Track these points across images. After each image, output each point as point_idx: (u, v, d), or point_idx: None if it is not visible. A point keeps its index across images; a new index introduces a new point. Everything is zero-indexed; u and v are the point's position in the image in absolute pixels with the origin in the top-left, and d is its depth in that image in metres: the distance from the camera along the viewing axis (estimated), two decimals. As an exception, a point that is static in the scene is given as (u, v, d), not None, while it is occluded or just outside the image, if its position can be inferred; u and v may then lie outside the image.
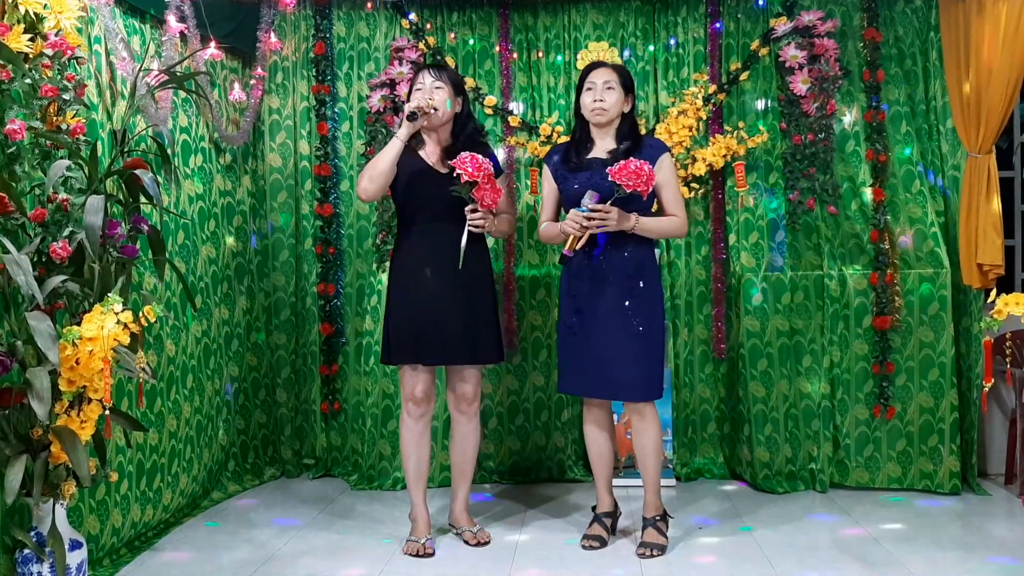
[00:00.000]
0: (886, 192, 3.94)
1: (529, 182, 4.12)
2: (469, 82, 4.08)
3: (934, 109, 3.96)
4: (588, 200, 3.02)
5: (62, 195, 2.43)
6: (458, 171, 3.01)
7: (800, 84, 3.93)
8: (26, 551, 2.41)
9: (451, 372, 3.30)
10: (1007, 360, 3.73)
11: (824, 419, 3.95)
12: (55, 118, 2.48)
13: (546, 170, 3.30)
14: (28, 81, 2.39)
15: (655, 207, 3.27)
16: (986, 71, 3.67)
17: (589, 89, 3.17)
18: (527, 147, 4.07)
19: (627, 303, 3.10)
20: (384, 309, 3.35)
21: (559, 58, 4.15)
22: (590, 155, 3.21)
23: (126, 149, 2.65)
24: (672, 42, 4.11)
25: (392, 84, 4.03)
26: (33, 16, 2.42)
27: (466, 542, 3.27)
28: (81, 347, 2.24)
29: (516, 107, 4.15)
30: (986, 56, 3.66)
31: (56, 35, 2.46)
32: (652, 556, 3.10)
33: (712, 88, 4.02)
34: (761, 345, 3.97)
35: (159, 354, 3.34)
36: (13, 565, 2.44)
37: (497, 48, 4.15)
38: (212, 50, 3.37)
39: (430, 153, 3.24)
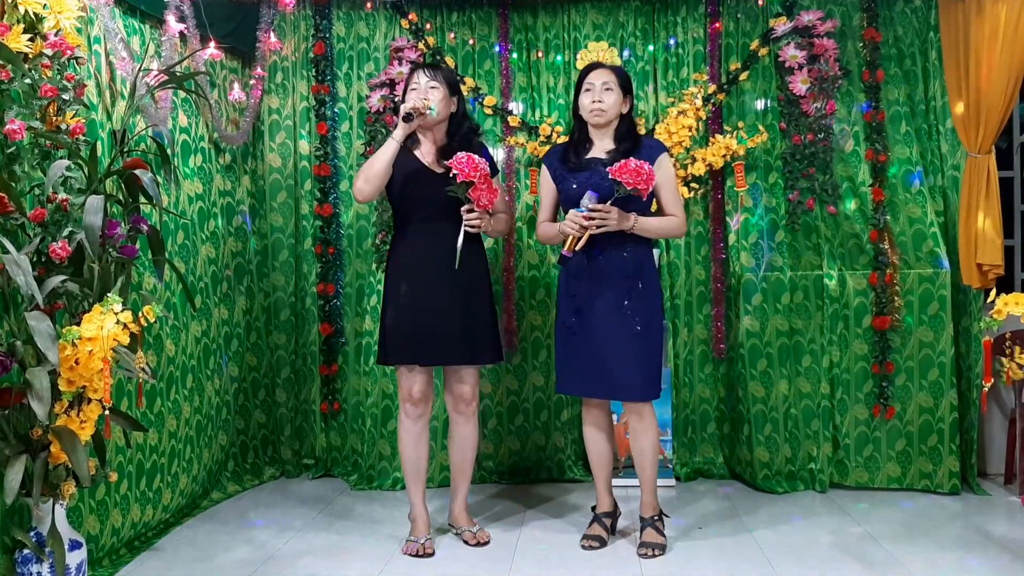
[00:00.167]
0: (885, 192, 3.95)
1: (529, 182, 4.12)
2: (469, 82, 4.08)
3: (934, 109, 3.97)
4: (587, 200, 3.02)
5: (62, 195, 2.43)
6: (454, 171, 3.01)
7: (800, 84, 3.93)
8: (26, 551, 2.41)
9: (449, 373, 3.30)
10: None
11: (824, 419, 3.95)
12: (55, 118, 2.48)
13: (544, 170, 3.30)
14: (28, 81, 2.39)
15: (654, 207, 3.27)
16: (986, 71, 3.67)
17: (587, 90, 3.17)
18: (527, 147, 4.07)
19: (626, 303, 3.11)
20: (380, 309, 3.35)
21: (559, 58, 4.15)
22: (589, 155, 3.21)
23: (126, 149, 2.65)
24: (672, 42, 4.12)
25: (392, 84, 4.03)
26: (33, 16, 2.42)
27: (466, 542, 3.27)
28: (81, 347, 2.24)
29: (516, 107, 4.15)
30: (985, 56, 3.66)
31: (56, 35, 2.46)
32: (654, 556, 3.10)
33: (712, 88, 4.02)
34: (761, 345, 3.97)
35: (159, 354, 3.34)
36: (13, 565, 2.44)
37: (497, 48, 4.15)
38: (212, 50, 3.37)
39: (426, 153, 3.24)
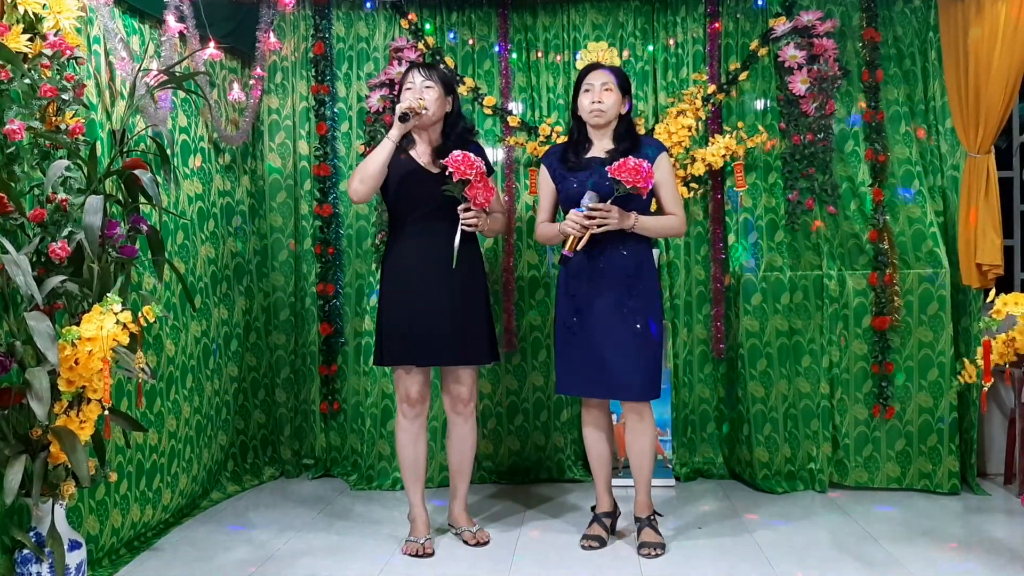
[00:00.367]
0: (885, 192, 3.95)
1: (528, 182, 4.12)
2: (468, 82, 4.08)
3: (933, 109, 3.97)
4: (588, 200, 3.02)
5: (61, 195, 2.43)
6: (450, 169, 3.00)
7: (799, 84, 3.93)
8: (25, 551, 2.41)
9: (446, 373, 3.30)
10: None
11: (823, 419, 3.95)
12: (54, 118, 2.48)
13: (544, 170, 3.29)
14: (27, 81, 2.39)
15: (653, 207, 3.27)
16: (985, 71, 3.67)
17: (587, 91, 3.17)
18: (526, 147, 4.07)
19: (627, 302, 3.11)
20: (377, 310, 3.35)
21: (558, 58, 4.14)
22: (588, 155, 3.21)
23: (125, 149, 2.65)
24: (671, 42, 4.11)
25: (391, 84, 4.03)
26: (32, 16, 2.42)
27: (465, 542, 3.27)
28: (80, 347, 2.25)
29: (515, 107, 4.15)
30: (985, 56, 3.66)
31: (55, 35, 2.46)
32: (656, 555, 3.10)
33: (711, 88, 4.02)
34: (760, 345, 3.97)
35: (158, 354, 3.34)
36: (12, 565, 2.44)
37: (496, 48, 4.15)
38: (211, 50, 3.37)
39: (421, 153, 3.23)
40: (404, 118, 3.07)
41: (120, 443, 2.98)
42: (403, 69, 3.99)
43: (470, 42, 4.16)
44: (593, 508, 3.37)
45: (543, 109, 4.15)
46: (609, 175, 2.99)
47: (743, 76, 4.03)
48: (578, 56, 4.06)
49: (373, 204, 4.08)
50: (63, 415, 2.32)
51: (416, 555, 3.14)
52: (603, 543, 3.23)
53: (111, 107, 3.05)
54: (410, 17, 4.09)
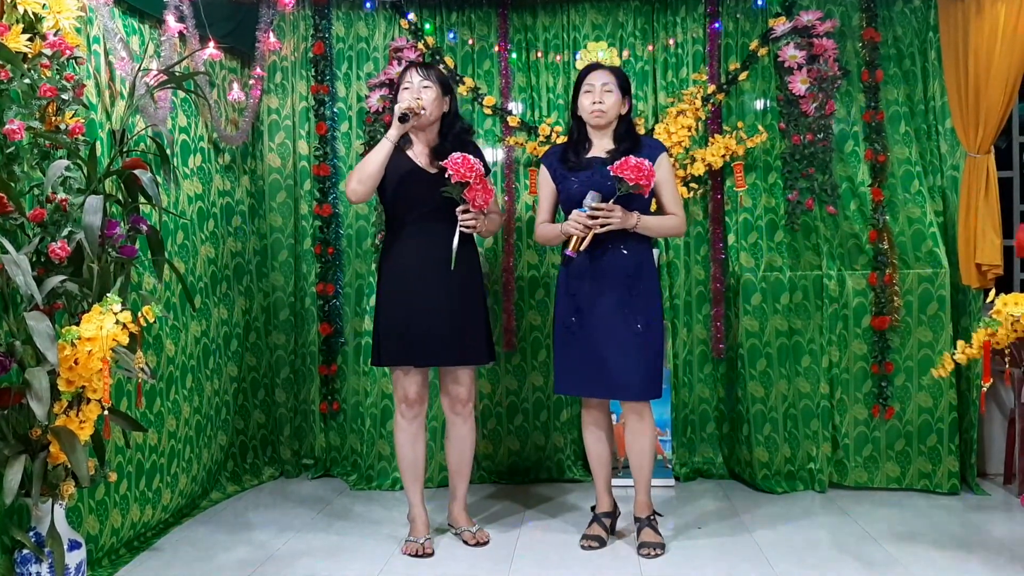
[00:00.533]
0: (885, 192, 3.95)
1: (528, 182, 4.12)
2: (468, 82, 4.09)
3: (933, 109, 3.97)
4: (590, 200, 3.02)
5: (61, 195, 2.43)
6: (449, 171, 3.00)
7: (799, 84, 3.93)
8: (25, 551, 2.41)
9: (444, 374, 3.30)
10: (1006, 360, 3.73)
11: (823, 419, 3.95)
12: (54, 118, 2.48)
13: (544, 170, 3.29)
14: (27, 81, 2.39)
15: (653, 207, 3.27)
16: (985, 71, 3.67)
17: (587, 91, 3.17)
18: (526, 147, 4.07)
19: (627, 302, 3.11)
20: (374, 311, 3.34)
21: (558, 58, 4.14)
22: (588, 155, 3.21)
23: (125, 149, 2.65)
24: (671, 42, 4.11)
25: (391, 84, 4.03)
26: (32, 16, 2.42)
27: (465, 542, 3.27)
28: (80, 347, 2.24)
29: (515, 107, 4.15)
30: (985, 56, 3.66)
31: (55, 35, 2.46)
32: (656, 555, 3.10)
33: (711, 88, 4.02)
34: (760, 345, 3.97)
35: (158, 354, 3.34)
36: (12, 565, 2.44)
37: (496, 48, 4.15)
38: (211, 50, 3.37)
39: (418, 153, 3.23)
40: (404, 118, 3.06)
41: (120, 443, 2.98)
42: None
43: (470, 42, 4.16)
44: (593, 508, 3.37)
45: (543, 109, 4.15)
46: (611, 174, 2.99)
47: (743, 76, 4.03)
48: (578, 56, 4.06)
49: (372, 204, 4.08)
50: (63, 415, 2.32)
51: (416, 555, 3.14)
52: (603, 543, 3.23)
53: (111, 107, 3.05)
54: (410, 17, 4.09)
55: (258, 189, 4.23)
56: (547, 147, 3.89)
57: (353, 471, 4.16)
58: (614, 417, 3.72)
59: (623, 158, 3.00)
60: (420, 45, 4.08)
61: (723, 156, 3.95)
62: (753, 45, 4.01)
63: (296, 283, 4.24)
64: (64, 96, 2.48)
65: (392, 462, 4.04)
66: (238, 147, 4.06)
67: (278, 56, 4.17)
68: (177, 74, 2.91)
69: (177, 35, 3.28)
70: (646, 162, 2.98)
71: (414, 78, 3.18)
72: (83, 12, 2.77)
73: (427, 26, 4.12)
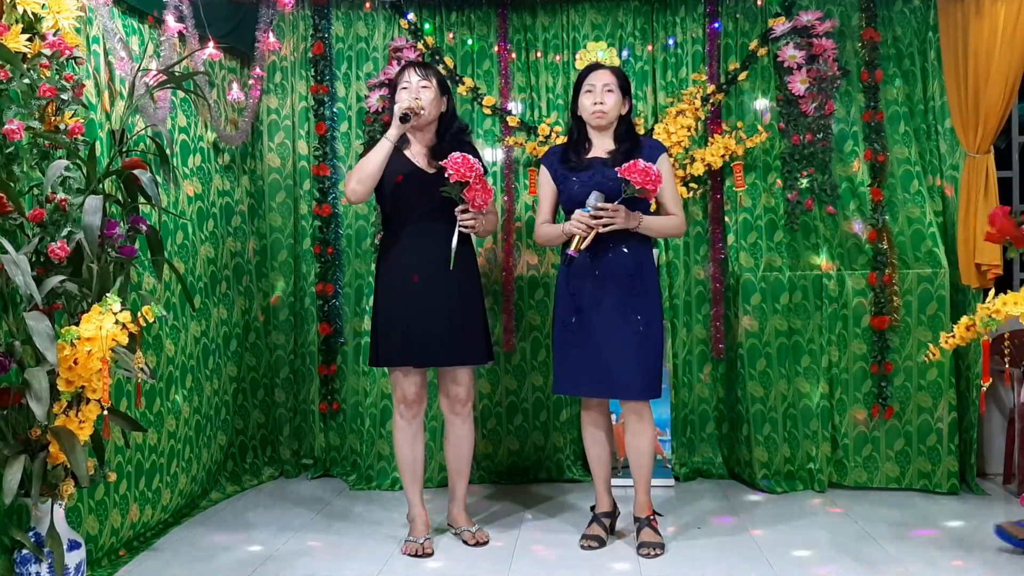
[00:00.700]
0: (884, 192, 3.95)
1: (528, 182, 4.12)
2: (468, 82, 4.09)
3: (932, 109, 3.97)
4: (594, 200, 3.02)
5: (60, 195, 2.43)
6: (449, 171, 2.99)
7: (798, 84, 3.93)
8: (24, 551, 2.41)
9: (443, 374, 3.29)
10: (1005, 360, 3.73)
11: (822, 419, 3.95)
12: (53, 118, 2.48)
13: (544, 171, 3.29)
14: (26, 81, 2.39)
15: (653, 207, 3.27)
16: (984, 71, 3.67)
17: (588, 91, 3.18)
18: (525, 147, 4.07)
19: (628, 302, 3.11)
20: (372, 311, 3.34)
21: (558, 58, 4.15)
22: (589, 156, 3.21)
23: (124, 149, 2.65)
24: (671, 42, 4.12)
25: (390, 84, 4.03)
26: (31, 16, 2.42)
27: (465, 542, 3.27)
28: (79, 347, 2.24)
29: (515, 107, 4.15)
30: (984, 56, 3.67)
31: (54, 35, 2.46)
32: (656, 555, 3.10)
33: (711, 88, 4.02)
34: (760, 345, 3.97)
35: (158, 354, 3.34)
36: (11, 565, 2.44)
37: (496, 48, 4.15)
38: (210, 50, 3.37)
39: (416, 153, 3.23)
40: (405, 118, 3.06)
41: (119, 443, 2.98)
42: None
43: (469, 42, 4.16)
44: (592, 508, 3.37)
45: (542, 109, 4.15)
46: (619, 175, 2.99)
47: (742, 76, 4.03)
48: (577, 56, 4.06)
49: (372, 204, 4.08)
50: (62, 415, 2.32)
51: (415, 555, 3.14)
52: (602, 543, 3.23)
53: (110, 107, 3.05)
54: (410, 17, 4.09)
55: (258, 189, 4.23)
56: (546, 147, 3.89)
57: (353, 471, 4.16)
58: (614, 417, 3.72)
59: (631, 160, 3.00)
60: (420, 45, 4.08)
61: (723, 156, 3.95)
62: (753, 45, 4.01)
63: (296, 283, 4.24)
64: (64, 96, 2.48)
65: (392, 462, 4.04)
66: (238, 147, 4.06)
67: (278, 56, 4.17)
68: (177, 74, 2.91)
69: (176, 35, 3.28)
70: (653, 167, 2.99)
71: (412, 78, 3.18)
72: (82, 12, 2.77)
73: (427, 26, 4.12)
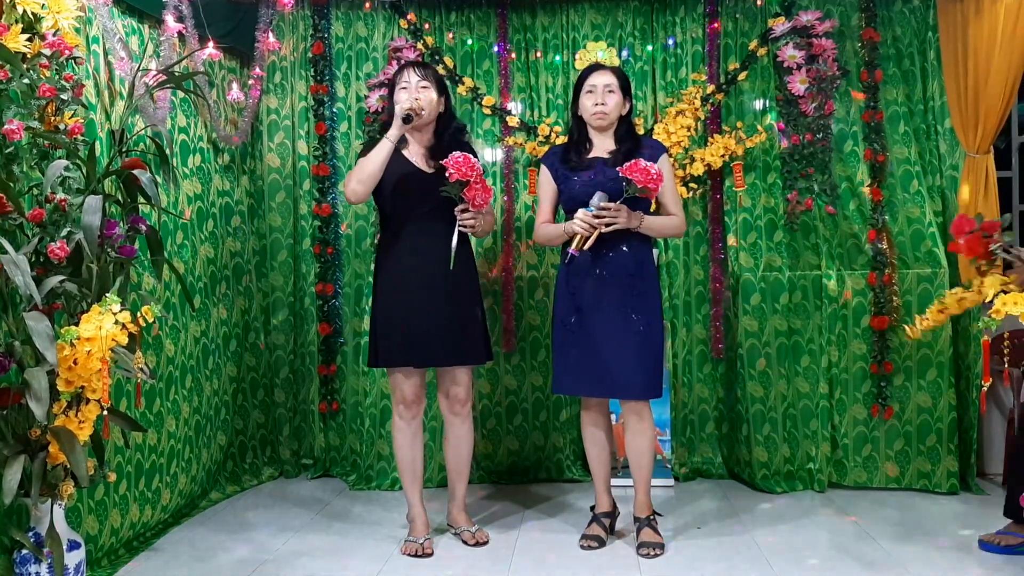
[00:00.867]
0: (884, 192, 3.95)
1: (527, 182, 4.12)
2: (467, 82, 4.09)
3: (932, 109, 3.97)
4: (598, 199, 3.02)
5: (60, 195, 2.42)
6: (450, 170, 2.99)
7: (798, 84, 3.93)
8: (24, 551, 2.41)
9: (442, 374, 3.29)
10: (1004, 360, 3.73)
11: (822, 419, 3.95)
12: (53, 118, 2.48)
13: (544, 171, 3.29)
14: (26, 81, 2.38)
15: (653, 207, 3.27)
16: (984, 71, 3.67)
17: (590, 92, 3.18)
18: (525, 147, 4.07)
19: (628, 301, 3.11)
20: (371, 311, 3.34)
21: (557, 58, 4.15)
22: (590, 156, 3.21)
23: (124, 149, 2.65)
24: (670, 42, 4.12)
25: (391, 84, 4.03)
26: (31, 16, 2.42)
27: (465, 542, 3.27)
28: (79, 347, 2.24)
29: (514, 107, 4.15)
30: (984, 56, 3.67)
31: (54, 35, 2.45)
32: (656, 555, 3.10)
33: (710, 88, 4.02)
34: (759, 345, 3.97)
35: (158, 354, 3.34)
36: (11, 565, 2.44)
37: (495, 48, 4.15)
38: (210, 50, 3.37)
39: (414, 153, 3.22)
40: (408, 119, 3.05)
41: (119, 443, 2.98)
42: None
43: (469, 42, 4.16)
44: (592, 508, 3.37)
45: (542, 109, 4.15)
46: (621, 174, 3.00)
47: (742, 76, 4.03)
48: (577, 56, 4.07)
49: (372, 204, 4.08)
50: (62, 415, 2.31)
51: (415, 555, 3.14)
52: (602, 543, 3.23)
53: (110, 107, 3.05)
54: (409, 17, 4.09)
55: (257, 189, 4.22)
56: (546, 147, 3.90)
57: (352, 471, 4.16)
58: (613, 417, 3.72)
59: (633, 160, 3.01)
60: (419, 45, 4.08)
61: (722, 156, 3.95)
62: (752, 45, 4.01)
63: (295, 283, 4.24)
64: (63, 96, 2.48)
65: (391, 462, 4.04)
66: (237, 147, 4.06)
67: (277, 56, 4.17)
68: (176, 74, 2.91)
69: (176, 35, 3.28)
70: (655, 167, 2.99)
71: (412, 78, 3.17)
72: (82, 12, 2.77)
73: (426, 26, 4.12)
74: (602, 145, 3.22)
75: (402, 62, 3.96)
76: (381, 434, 4.07)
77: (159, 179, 2.71)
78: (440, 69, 3.95)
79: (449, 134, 3.24)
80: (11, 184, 2.31)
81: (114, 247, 2.49)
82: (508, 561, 3.09)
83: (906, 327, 3.11)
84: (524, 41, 4.17)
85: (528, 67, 4.17)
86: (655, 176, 2.97)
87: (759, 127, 3.99)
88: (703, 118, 4.03)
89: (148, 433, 3.26)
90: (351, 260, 4.19)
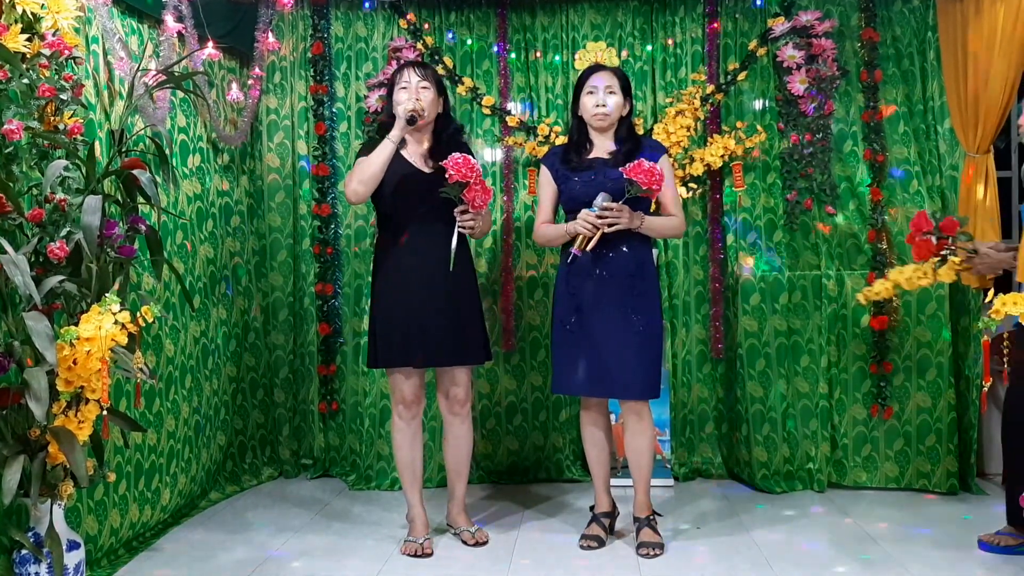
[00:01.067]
0: (884, 192, 3.95)
1: (527, 182, 4.12)
2: (467, 82, 4.09)
3: (932, 109, 3.97)
4: (600, 200, 3.02)
5: (60, 195, 2.42)
6: (450, 172, 2.98)
7: (798, 84, 3.93)
8: (24, 552, 2.41)
9: (441, 375, 3.29)
10: (1004, 360, 3.73)
11: (822, 419, 3.95)
12: (53, 118, 2.47)
13: (544, 171, 3.29)
14: (25, 81, 2.38)
15: (652, 207, 3.28)
16: (984, 71, 3.67)
17: (591, 93, 3.18)
18: (525, 147, 4.07)
19: (629, 301, 3.11)
20: (369, 312, 3.34)
21: (557, 58, 4.15)
22: (590, 156, 3.22)
23: (124, 149, 2.65)
24: (670, 42, 4.11)
25: (388, 84, 4.03)
26: (30, 16, 2.42)
27: (464, 542, 3.27)
28: (79, 347, 2.24)
29: (514, 107, 4.15)
30: (984, 56, 3.67)
31: (53, 35, 2.45)
32: (655, 555, 3.10)
33: (710, 88, 4.02)
34: (759, 345, 3.97)
35: (157, 354, 3.34)
36: (11, 566, 2.44)
37: (495, 48, 4.15)
38: (210, 50, 3.37)
39: (413, 153, 3.22)
40: (413, 121, 3.06)
41: (119, 443, 2.98)
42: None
43: (469, 42, 4.16)
44: (592, 508, 3.37)
45: (542, 109, 4.15)
46: (624, 175, 3.00)
47: (742, 76, 4.03)
48: (577, 56, 4.07)
49: (371, 204, 4.07)
50: (61, 415, 2.31)
51: (415, 555, 3.14)
52: (602, 543, 3.23)
53: (110, 107, 3.05)
54: (409, 17, 4.09)
55: (257, 189, 4.22)
56: (546, 147, 3.90)
57: (352, 471, 4.16)
58: (613, 417, 3.72)
59: (636, 160, 3.01)
60: (419, 45, 4.08)
61: (722, 156, 3.95)
62: (752, 45, 4.01)
63: (295, 283, 4.24)
64: (63, 96, 2.48)
65: (391, 462, 4.04)
66: (237, 147, 4.06)
67: (277, 56, 4.17)
68: (176, 74, 2.90)
69: (176, 35, 3.27)
70: (657, 167, 3.00)
71: (412, 78, 3.17)
72: (82, 12, 2.77)
73: (425, 26, 4.12)
74: (602, 145, 3.22)
75: (401, 62, 3.99)
76: (381, 434, 4.06)
77: (159, 179, 2.71)
78: (440, 69, 3.95)
79: (448, 134, 3.24)
80: (11, 184, 2.31)
81: (114, 247, 2.48)
82: (508, 561, 3.09)
83: (858, 294, 3.41)
84: (524, 41, 4.17)
85: (528, 67, 4.17)
86: (658, 176, 2.98)
87: (758, 126, 3.99)
88: (703, 118, 4.03)
89: (148, 433, 3.26)
90: (351, 260, 4.19)
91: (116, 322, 2.29)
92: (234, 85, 3.83)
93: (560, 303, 3.23)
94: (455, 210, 3.10)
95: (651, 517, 3.22)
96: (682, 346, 4.15)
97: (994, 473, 4.08)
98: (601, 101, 3.16)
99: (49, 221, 2.40)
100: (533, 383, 4.14)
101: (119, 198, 2.63)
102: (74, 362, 2.25)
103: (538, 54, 4.16)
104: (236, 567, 3.05)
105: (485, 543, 3.27)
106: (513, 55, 4.16)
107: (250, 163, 4.20)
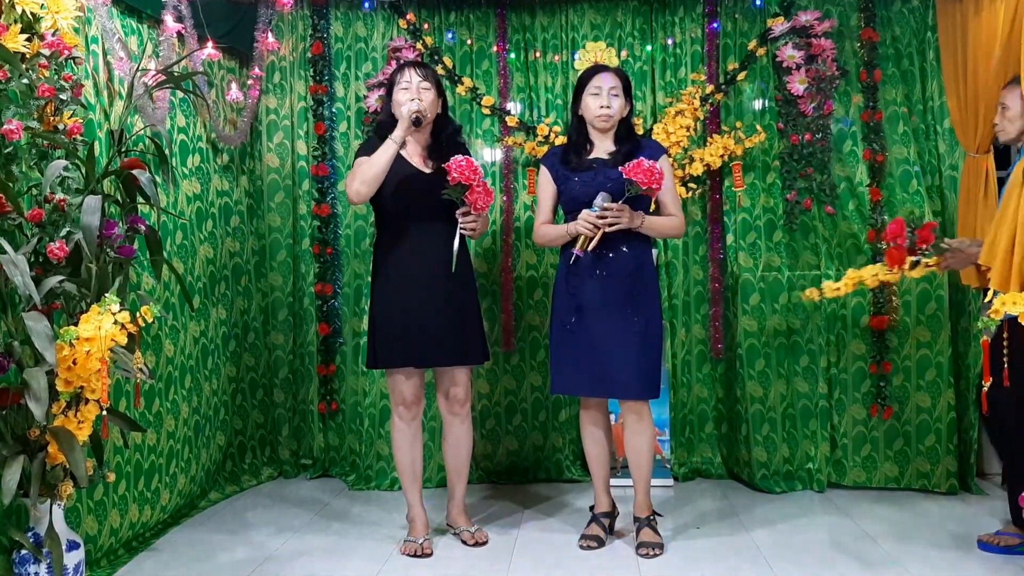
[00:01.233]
0: (883, 192, 3.95)
1: (527, 182, 4.12)
2: (467, 82, 4.09)
3: (931, 109, 3.97)
4: (601, 200, 3.03)
5: (59, 195, 2.42)
6: (453, 174, 2.98)
7: (797, 84, 3.93)
8: (23, 552, 2.41)
9: (441, 375, 3.29)
10: (1004, 356, 3.72)
11: (821, 419, 3.96)
12: (52, 118, 2.47)
13: (544, 171, 3.29)
14: (25, 81, 2.38)
15: (652, 207, 3.28)
16: (984, 71, 3.67)
17: (594, 94, 3.18)
18: (524, 147, 4.07)
19: (629, 301, 3.11)
20: (369, 312, 3.33)
21: (556, 58, 4.14)
22: (590, 156, 3.22)
23: (123, 149, 2.65)
24: (670, 42, 4.12)
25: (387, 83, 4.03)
26: (30, 16, 2.42)
27: (464, 542, 3.27)
28: (78, 347, 2.24)
29: (514, 107, 4.15)
30: (984, 56, 3.66)
31: (53, 35, 2.45)
32: (655, 555, 3.10)
33: (710, 88, 4.02)
34: (759, 345, 3.98)
35: (157, 355, 3.34)
36: (10, 566, 2.44)
37: (495, 48, 4.15)
38: (209, 50, 3.37)
39: (412, 154, 3.22)
40: (418, 122, 3.06)
41: (118, 443, 2.98)
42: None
43: (468, 42, 4.16)
44: (591, 508, 3.37)
45: (541, 109, 4.15)
46: (624, 175, 3.00)
47: (741, 76, 4.03)
48: (576, 56, 4.07)
49: (370, 204, 4.07)
50: (61, 415, 2.31)
51: (414, 555, 3.14)
52: (601, 543, 3.23)
53: (109, 107, 3.04)
54: (408, 17, 4.09)
55: (256, 189, 4.22)
56: (545, 147, 3.90)
57: (352, 471, 4.16)
58: (612, 417, 3.72)
59: (635, 160, 3.01)
60: (419, 45, 4.08)
61: (721, 156, 3.95)
62: (751, 45, 4.01)
63: (295, 283, 4.24)
64: (62, 96, 2.48)
65: (390, 462, 4.04)
66: (236, 147, 4.06)
67: (276, 56, 4.17)
68: (175, 74, 2.90)
69: (175, 35, 3.28)
70: (656, 166, 3.00)
71: (413, 78, 3.16)
72: (81, 12, 2.77)
73: (425, 26, 4.12)
74: (602, 146, 3.22)
75: (401, 62, 3.98)
76: (380, 434, 4.06)
77: (158, 179, 2.71)
78: (439, 69, 3.95)
79: (447, 135, 3.24)
80: (10, 184, 2.31)
81: (113, 247, 2.48)
82: (507, 561, 3.09)
83: (808, 290, 3.48)
84: (523, 41, 4.17)
85: (527, 67, 4.17)
86: (657, 175, 2.99)
87: (758, 126, 3.99)
88: (702, 118, 4.04)
89: (147, 433, 3.26)
90: (350, 260, 4.19)
91: (116, 322, 2.29)
92: (234, 85, 3.83)
93: (560, 303, 3.22)
94: (457, 212, 3.09)
95: (651, 517, 3.22)
96: (682, 346, 4.15)
97: (994, 473, 4.08)
98: (606, 103, 3.16)
99: (49, 221, 2.40)
100: (533, 383, 4.14)
101: (119, 198, 2.63)
102: (74, 362, 2.25)
103: (538, 54, 4.16)
104: (236, 567, 3.05)
105: (485, 543, 3.27)
106: (513, 55, 4.16)
107: (250, 163, 4.20)
